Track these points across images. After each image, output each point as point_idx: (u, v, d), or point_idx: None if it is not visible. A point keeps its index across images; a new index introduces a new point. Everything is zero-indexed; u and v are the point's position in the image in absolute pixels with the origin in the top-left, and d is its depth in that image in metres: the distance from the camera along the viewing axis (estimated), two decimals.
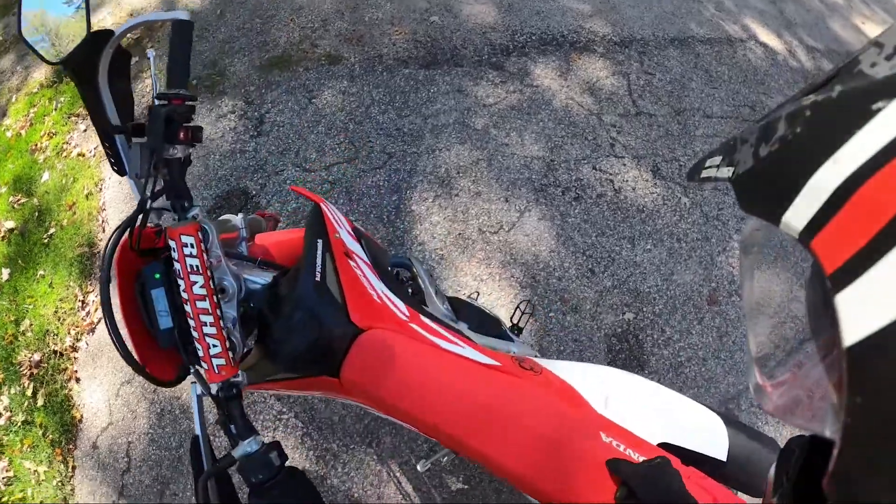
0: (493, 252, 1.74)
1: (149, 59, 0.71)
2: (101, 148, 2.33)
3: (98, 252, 2.02)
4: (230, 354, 0.57)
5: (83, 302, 1.94)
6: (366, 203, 1.89)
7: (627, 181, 2.00)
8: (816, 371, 0.23)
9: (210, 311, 0.56)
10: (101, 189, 2.21)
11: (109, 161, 0.68)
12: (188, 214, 0.59)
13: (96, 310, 1.90)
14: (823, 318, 0.20)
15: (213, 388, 0.56)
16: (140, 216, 0.58)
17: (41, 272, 2.06)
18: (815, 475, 0.23)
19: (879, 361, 0.16)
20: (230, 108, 2.23)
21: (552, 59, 2.36)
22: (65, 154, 2.41)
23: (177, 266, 0.56)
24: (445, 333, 0.67)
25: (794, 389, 0.27)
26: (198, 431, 0.59)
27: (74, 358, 1.84)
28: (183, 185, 0.61)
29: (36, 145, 2.51)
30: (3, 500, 1.68)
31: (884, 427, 0.17)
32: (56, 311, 1.95)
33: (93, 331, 1.86)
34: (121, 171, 0.69)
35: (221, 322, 0.57)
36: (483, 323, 0.98)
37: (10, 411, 1.82)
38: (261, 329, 0.65)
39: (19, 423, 1.78)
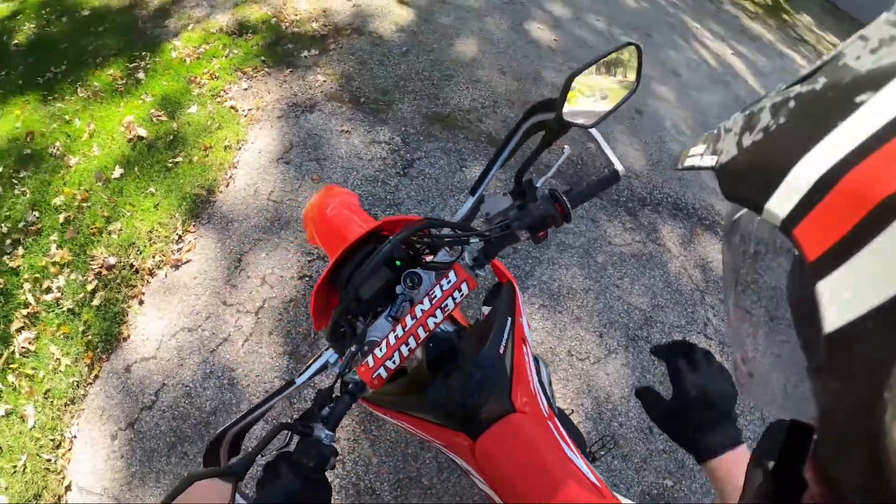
0: (574, 377, 1.99)
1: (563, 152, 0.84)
2: (253, 112, 2.67)
3: (215, 202, 2.26)
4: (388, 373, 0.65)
5: (180, 237, 2.14)
6: (480, 286, 2.20)
7: None
8: (796, 357, 0.24)
9: (417, 338, 0.64)
10: (240, 148, 2.51)
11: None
12: (477, 271, 0.71)
13: (189, 250, 2.10)
14: (804, 305, 0.21)
15: (349, 376, 0.66)
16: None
17: (152, 189, 2.28)
18: (796, 460, 0.26)
19: (858, 348, 0.18)
20: (387, 138, 2.62)
21: (679, 225, 2.59)
22: (219, 100, 2.74)
23: (436, 292, 0.66)
24: (569, 440, 0.73)
25: (774, 375, 0.29)
26: (301, 379, 0.72)
27: (148, 281, 2.00)
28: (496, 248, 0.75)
29: (195, 78, 2.84)
30: (14, 366, 1.74)
31: (861, 412, 0.18)
32: (150, 231, 2.14)
33: (178, 267, 2.05)
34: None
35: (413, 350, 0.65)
36: (576, 439, 1.04)
37: (62, 294, 1.94)
38: (429, 368, 0.73)
39: (65, 309, 1.89)
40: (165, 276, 2.03)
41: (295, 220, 2.25)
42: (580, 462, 0.68)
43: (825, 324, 0.19)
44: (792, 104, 0.23)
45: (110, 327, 1.87)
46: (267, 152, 2.51)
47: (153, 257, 2.07)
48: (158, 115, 2.61)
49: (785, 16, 6.39)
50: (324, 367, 0.76)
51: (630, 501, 0.66)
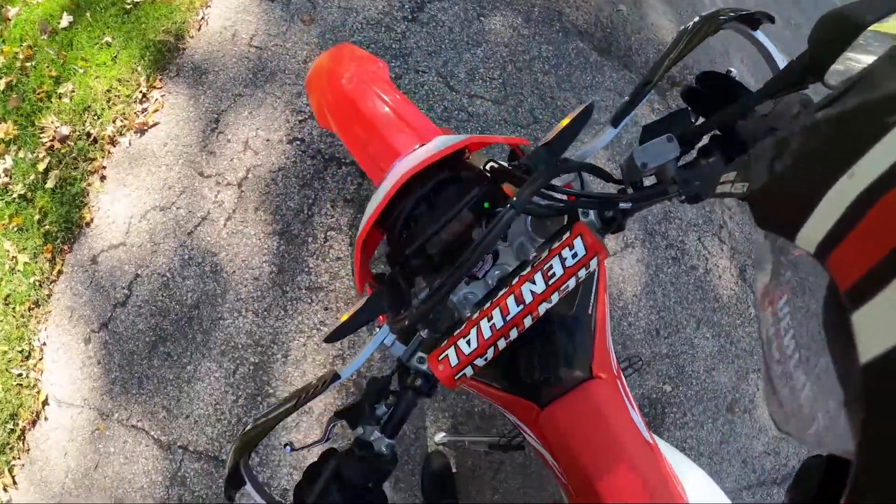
0: None
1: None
2: None
3: (184, 49, 1.75)
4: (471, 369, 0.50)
5: (144, 95, 1.68)
6: (495, 155, 1.67)
7: (718, 267, 1.94)
8: (833, 389, 0.22)
9: (522, 328, 0.49)
10: None
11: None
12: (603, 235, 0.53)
13: (155, 110, 1.65)
14: (840, 335, 0.20)
15: (414, 364, 0.50)
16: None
17: (108, 39, 1.78)
18: (833, 496, 0.24)
19: None
20: None
21: None
22: None
23: (554, 266, 0.48)
24: (631, 398, 0.64)
25: (810, 408, 0.26)
26: (349, 370, 0.54)
27: (109, 152, 1.60)
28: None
29: None
30: None
31: None
32: (109, 91, 1.68)
33: (143, 132, 1.62)
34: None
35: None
36: None
37: (10, 177, 1.58)
38: None
39: (15, 196, 1.54)
40: (129, 144, 1.61)
41: (282, 70, 1.71)
42: (641, 424, 0.60)
43: (861, 354, 0.18)
44: (823, 127, 0.22)
45: (69, 212, 1.51)
46: None
47: (114, 122, 1.64)
48: None
49: None
50: (376, 346, 0.56)
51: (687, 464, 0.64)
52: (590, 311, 0.62)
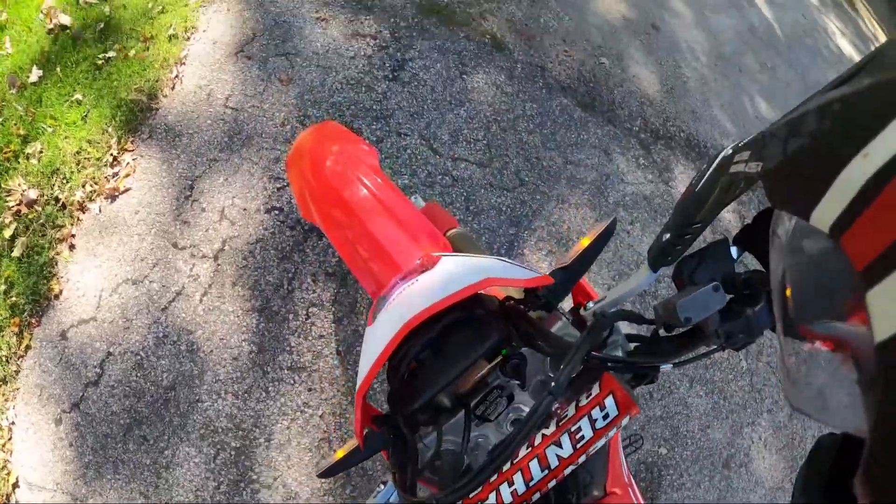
0: None
1: None
2: None
3: (157, 109, 1.74)
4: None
5: (115, 158, 1.66)
6: (482, 221, 1.71)
7: None
8: (848, 367, 0.23)
9: (528, 476, 0.45)
10: (189, 38, 1.92)
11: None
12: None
13: (127, 175, 1.63)
14: (855, 315, 0.21)
15: None
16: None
17: (78, 96, 1.76)
18: (846, 475, 0.24)
19: None
20: (372, 31, 1.98)
21: (692, 166, 2.30)
22: None
23: (574, 417, 0.44)
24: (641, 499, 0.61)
25: (825, 386, 0.27)
26: None
27: (79, 219, 1.57)
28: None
29: None
30: None
31: None
32: (78, 153, 1.66)
33: (114, 198, 1.60)
34: None
35: None
36: None
37: None
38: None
39: None
40: (100, 210, 1.59)
41: (259, 133, 1.72)
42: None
43: (876, 333, 0.18)
44: (837, 107, 0.22)
45: (37, 283, 1.48)
46: (223, 44, 1.91)
47: (83, 187, 1.62)
48: None
49: None
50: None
51: None
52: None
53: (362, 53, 1.92)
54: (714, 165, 0.43)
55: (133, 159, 1.66)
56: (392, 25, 2.03)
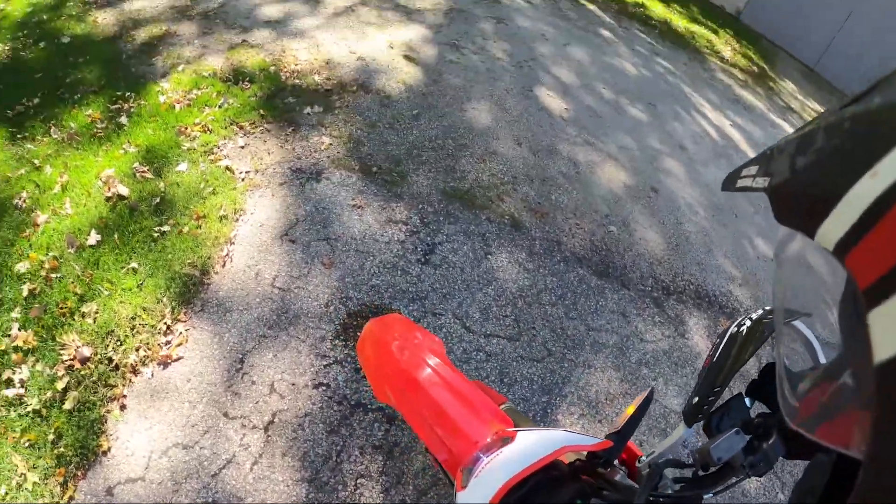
0: None
1: None
2: (252, 175, 3.01)
3: (209, 284, 2.53)
4: None
5: (168, 327, 2.38)
6: (516, 391, 2.51)
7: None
8: (847, 388, 0.31)
9: None
10: (238, 219, 2.82)
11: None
12: None
13: (179, 344, 2.33)
14: (856, 334, 0.27)
15: None
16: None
17: (134, 264, 2.53)
18: (839, 497, 0.33)
19: None
20: (404, 217, 3.00)
21: (703, 316, 3.20)
22: (212, 158, 3.08)
23: None
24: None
25: (823, 406, 0.36)
26: None
27: (131, 381, 2.21)
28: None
29: (185, 129, 3.19)
30: None
31: None
32: (133, 318, 2.37)
33: (166, 365, 2.27)
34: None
35: None
36: None
37: (25, 389, 2.11)
38: None
39: (29, 410, 2.06)
40: (152, 375, 2.24)
41: (306, 313, 2.53)
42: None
43: (877, 354, 0.23)
44: (846, 125, 0.28)
45: (86, 437, 2.05)
46: (269, 227, 2.83)
47: (137, 351, 2.29)
48: (143, 171, 2.91)
49: (770, 83, 8.17)
50: None
51: None
52: None
53: (395, 238, 2.90)
54: (726, 338, 0.73)
55: (185, 329, 2.38)
56: (420, 211, 3.06)
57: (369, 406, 2.25)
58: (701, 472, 0.76)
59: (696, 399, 0.80)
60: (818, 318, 0.40)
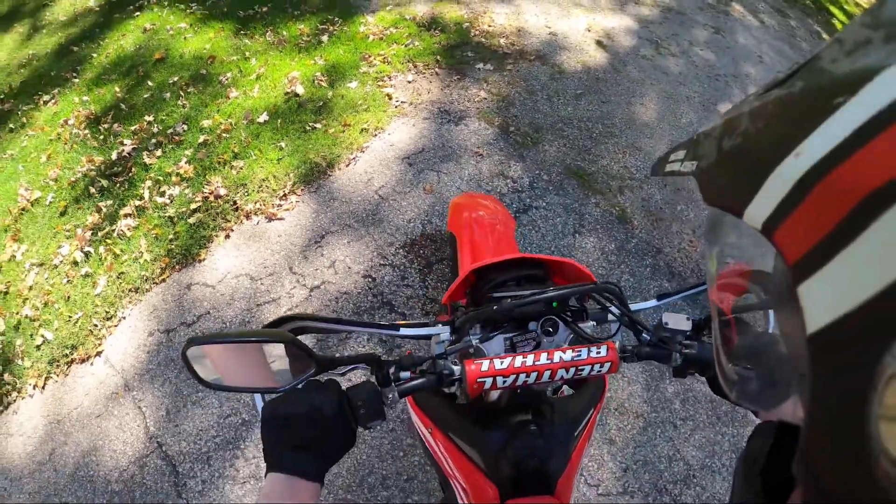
0: None
1: None
2: (405, 105, 3.74)
3: (329, 175, 3.32)
4: None
5: (285, 195, 3.24)
6: None
7: None
8: (781, 359, 0.36)
9: (540, 378, 0.91)
10: (376, 135, 3.60)
11: None
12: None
13: (286, 209, 3.15)
14: (787, 307, 0.31)
15: (448, 363, 0.93)
16: None
17: (283, 144, 3.45)
18: (784, 461, 0.40)
19: (840, 349, 0.26)
20: (516, 176, 3.46)
21: None
22: (380, 84, 3.91)
23: (582, 352, 0.91)
24: None
25: (759, 378, 0.43)
26: (400, 331, 1.04)
27: (242, 221, 3.10)
28: None
29: (369, 56, 4.09)
30: (109, 242, 2.91)
31: (847, 413, 0.26)
32: (264, 179, 3.27)
33: (270, 220, 3.11)
34: None
35: None
36: None
37: (171, 201, 3.15)
38: (508, 410, 1.09)
39: (167, 215, 3.06)
40: (257, 223, 3.10)
41: (389, 220, 3.17)
42: None
43: (808, 325, 0.27)
44: (770, 108, 0.34)
45: (193, 245, 2.97)
46: (398, 147, 3.54)
47: (255, 203, 3.17)
48: (320, 80, 3.87)
49: None
50: (429, 337, 1.04)
51: None
52: (576, 434, 1.07)
53: (498, 190, 3.37)
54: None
55: (296, 200, 3.21)
56: (534, 176, 3.48)
57: (396, 308, 2.80)
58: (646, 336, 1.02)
59: (680, 288, 1.19)
60: (751, 293, 0.45)
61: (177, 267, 2.93)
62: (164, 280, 2.88)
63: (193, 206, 3.12)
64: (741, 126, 0.37)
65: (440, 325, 1.04)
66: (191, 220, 3.07)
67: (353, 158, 3.46)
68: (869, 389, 0.24)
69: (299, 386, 0.84)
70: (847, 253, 0.25)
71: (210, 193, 3.19)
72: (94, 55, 4.51)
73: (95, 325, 2.75)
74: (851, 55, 0.30)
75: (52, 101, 4.19)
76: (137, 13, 4.78)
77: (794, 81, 0.34)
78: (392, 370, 0.93)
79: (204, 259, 2.96)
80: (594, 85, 4.17)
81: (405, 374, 0.93)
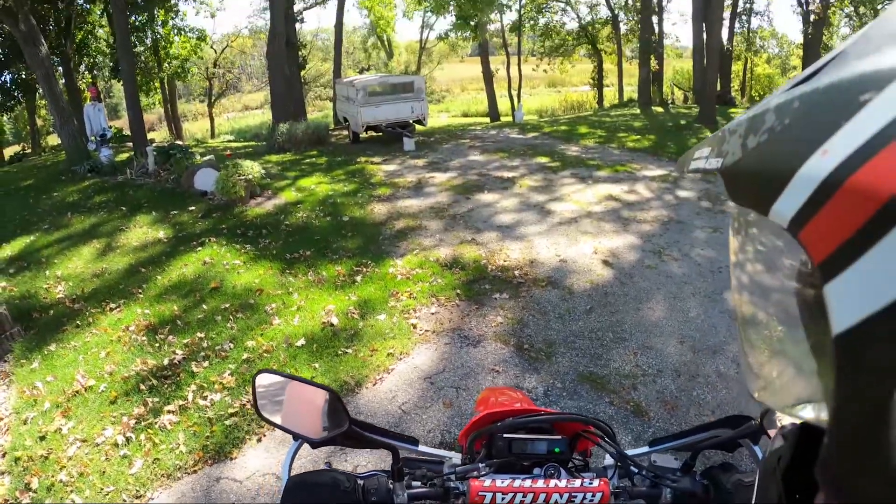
0: None
1: None
2: (428, 333, 4.34)
3: (357, 393, 3.80)
4: None
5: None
6: None
7: None
8: (807, 359, 0.37)
9: (536, 500, 1.03)
10: (401, 359, 4.13)
11: None
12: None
13: None
14: (813, 306, 0.33)
15: (456, 482, 1.05)
16: None
17: (316, 365, 4.01)
18: (807, 463, 0.41)
19: (868, 350, 0.26)
20: (530, 386, 3.59)
21: None
22: (406, 316, 4.60)
23: (575, 481, 1.06)
24: None
25: (784, 377, 0.44)
26: (419, 448, 1.18)
27: (272, 429, 3.51)
28: None
29: (397, 293, 4.87)
30: (150, 431, 3.32)
31: (872, 415, 0.26)
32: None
33: None
34: None
35: None
36: None
37: (212, 405, 3.58)
38: None
39: (207, 416, 3.49)
40: (283, 436, 3.52)
41: (409, 431, 3.42)
42: None
43: (834, 325, 0.28)
44: (796, 105, 0.35)
45: (226, 444, 3.36)
46: (421, 369, 4.06)
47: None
48: (353, 313, 4.56)
49: None
50: (441, 462, 1.16)
51: None
52: None
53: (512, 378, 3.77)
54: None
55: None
56: (548, 385, 3.85)
57: None
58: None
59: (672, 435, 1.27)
60: (776, 293, 0.45)
61: (209, 461, 3.28)
62: (195, 471, 3.21)
63: (231, 410, 3.57)
64: (766, 123, 0.38)
65: (454, 452, 1.21)
66: (227, 423, 3.49)
67: (379, 379, 3.97)
68: (894, 392, 0.26)
69: (328, 439, 1.03)
70: (874, 252, 0.26)
71: (247, 402, 3.65)
72: (159, 277, 5.37)
73: (124, 500, 3.04)
74: (879, 51, 0.31)
75: (118, 308, 4.93)
76: (199, 248, 5.75)
77: (820, 76, 0.35)
78: (407, 470, 1.05)
79: (236, 457, 3.32)
80: (603, 299, 4.82)
81: (416, 484, 1.05)
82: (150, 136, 16.93)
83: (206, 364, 3.95)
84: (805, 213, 0.31)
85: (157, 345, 4.33)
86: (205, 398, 3.67)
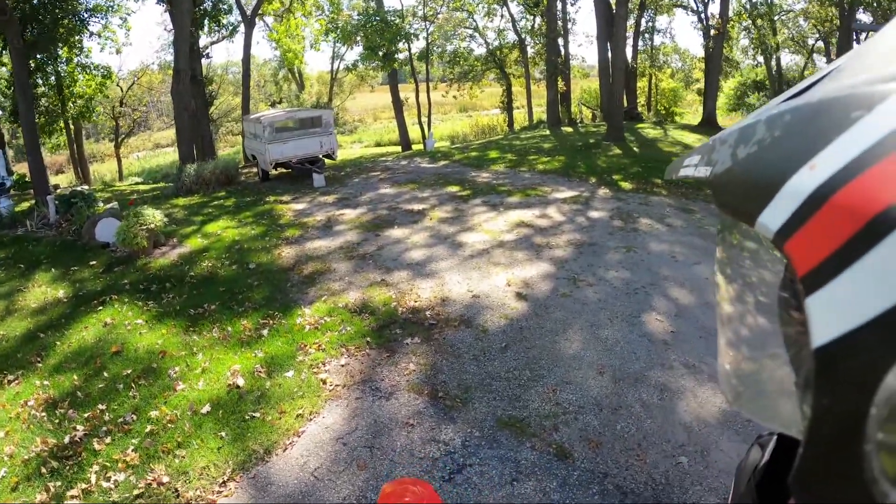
0: None
1: None
2: (339, 388, 4.49)
3: (267, 462, 3.93)
4: None
5: (224, 482, 3.76)
6: None
7: None
8: (785, 370, 0.39)
9: None
10: (311, 419, 4.25)
11: None
12: None
13: (226, 496, 3.69)
14: (794, 319, 0.35)
15: None
16: None
17: (223, 433, 4.07)
18: (781, 473, 0.44)
19: (846, 363, 0.27)
20: (447, 438, 3.97)
21: None
22: (314, 370, 4.71)
23: None
24: None
25: (762, 387, 0.47)
26: None
27: None
28: None
29: (304, 346, 4.97)
30: None
31: (847, 428, 0.27)
32: (204, 468, 3.83)
33: None
34: None
35: None
36: None
37: (116, 487, 3.61)
38: None
39: (111, 500, 3.53)
40: None
41: (323, 499, 3.71)
42: None
43: (814, 338, 0.29)
44: (787, 118, 0.36)
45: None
46: (332, 429, 4.19)
47: (196, 490, 3.69)
48: (260, 371, 4.64)
49: None
50: None
51: None
52: None
53: (430, 456, 3.89)
54: None
55: (235, 487, 3.73)
56: (466, 435, 4.02)
57: None
58: None
59: None
60: (758, 304, 0.46)
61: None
62: None
63: (136, 491, 3.58)
64: (756, 134, 0.39)
65: None
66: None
67: (289, 444, 4.08)
68: (871, 406, 0.26)
69: None
70: (857, 268, 0.27)
71: (153, 480, 3.68)
72: (58, 343, 5.23)
73: None
74: (872, 69, 0.33)
75: (16, 380, 4.79)
76: (100, 308, 5.64)
77: (812, 91, 0.37)
78: None
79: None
80: (518, 335, 5.07)
81: None
82: (57, 179, 16.20)
83: (108, 440, 3.93)
84: (791, 226, 0.33)
85: (57, 421, 4.24)
86: (108, 479, 3.68)
